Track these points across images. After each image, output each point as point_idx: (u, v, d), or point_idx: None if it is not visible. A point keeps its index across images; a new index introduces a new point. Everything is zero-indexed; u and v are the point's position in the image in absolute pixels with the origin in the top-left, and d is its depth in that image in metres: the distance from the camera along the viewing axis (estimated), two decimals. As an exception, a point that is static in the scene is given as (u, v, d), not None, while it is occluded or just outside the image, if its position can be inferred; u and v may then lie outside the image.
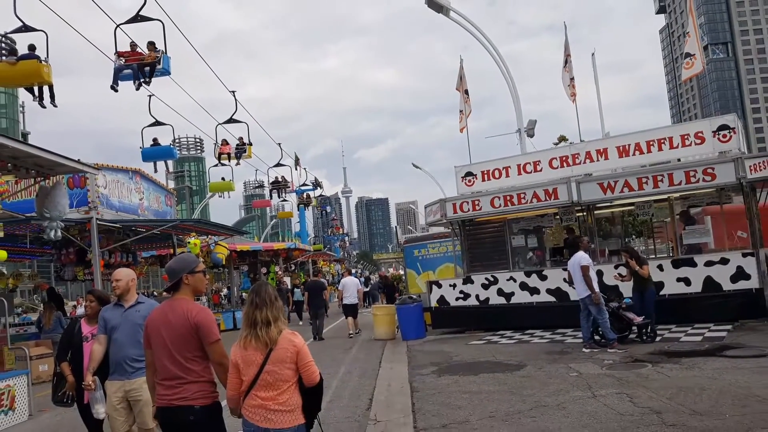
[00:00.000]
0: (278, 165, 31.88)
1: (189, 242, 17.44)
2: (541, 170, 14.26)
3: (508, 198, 13.84)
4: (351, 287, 17.60)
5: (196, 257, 4.30)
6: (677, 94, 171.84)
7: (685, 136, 12.77)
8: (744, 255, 11.71)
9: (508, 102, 20.12)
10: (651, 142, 13.05)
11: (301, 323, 22.24)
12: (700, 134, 12.60)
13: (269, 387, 3.51)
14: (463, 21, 19.07)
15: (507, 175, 14.69)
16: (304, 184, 40.82)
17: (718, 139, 12.37)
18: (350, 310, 17.34)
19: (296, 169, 37.17)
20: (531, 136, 20.21)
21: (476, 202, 14.32)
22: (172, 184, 30.68)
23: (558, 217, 14.32)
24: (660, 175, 12.26)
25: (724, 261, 11.78)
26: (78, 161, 10.60)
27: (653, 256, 15.36)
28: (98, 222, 14.01)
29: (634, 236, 21.76)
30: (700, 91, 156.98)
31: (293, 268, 34.72)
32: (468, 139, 18.27)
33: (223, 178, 25.62)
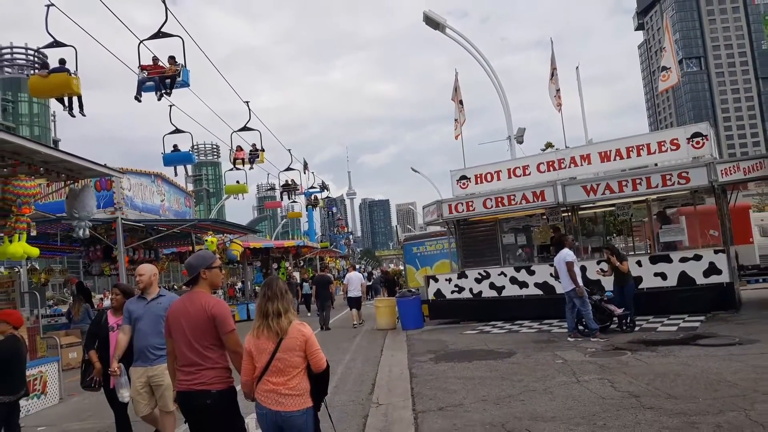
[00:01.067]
0: (288, 169, 31.86)
1: (206, 240, 17.44)
2: (529, 174, 14.26)
3: (500, 199, 13.83)
4: (355, 281, 17.61)
5: (212, 254, 4.28)
6: (654, 104, 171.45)
7: (662, 143, 12.77)
8: (716, 252, 11.70)
9: (499, 111, 20.29)
10: (630, 148, 13.04)
11: (309, 314, 22.23)
12: (675, 141, 12.60)
13: (280, 373, 3.51)
14: (457, 37, 19.08)
15: (498, 179, 14.68)
16: (312, 187, 40.68)
17: (692, 145, 12.37)
18: (354, 303, 17.36)
19: (305, 173, 37.04)
20: (520, 142, 20.19)
21: (470, 203, 14.31)
22: (190, 187, 30.60)
23: (545, 217, 14.31)
24: (638, 178, 12.24)
25: (698, 257, 11.76)
26: (105, 166, 10.62)
27: (632, 253, 15.29)
28: (123, 222, 14.04)
29: (614, 235, 21.69)
30: (676, 101, 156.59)
31: (302, 263, 34.73)
32: (462, 145, 18.21)
33: (237, 181, 25.57)
